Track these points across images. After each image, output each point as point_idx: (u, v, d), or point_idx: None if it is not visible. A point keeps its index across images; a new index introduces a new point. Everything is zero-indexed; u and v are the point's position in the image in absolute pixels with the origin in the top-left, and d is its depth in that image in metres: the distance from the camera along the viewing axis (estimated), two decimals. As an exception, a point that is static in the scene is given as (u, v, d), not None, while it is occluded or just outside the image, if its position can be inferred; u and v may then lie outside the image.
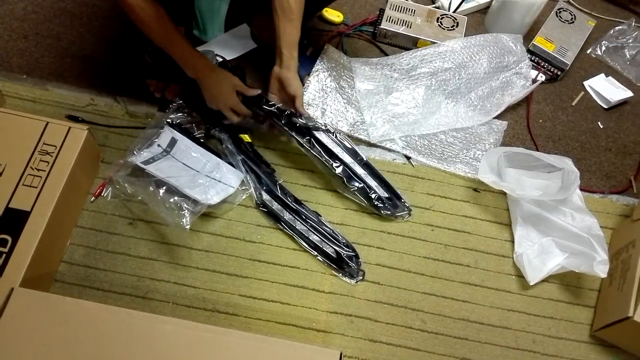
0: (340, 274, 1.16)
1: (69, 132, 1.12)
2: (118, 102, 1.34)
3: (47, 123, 1.12)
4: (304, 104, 1.36)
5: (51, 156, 1.09)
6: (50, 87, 1.34)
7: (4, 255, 0.98)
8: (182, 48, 1.14)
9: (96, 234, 1.15)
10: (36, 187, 1.05)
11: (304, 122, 1.22)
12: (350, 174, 1.23)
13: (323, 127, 1.25)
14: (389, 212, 1.24)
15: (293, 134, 1.22)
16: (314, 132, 1.24)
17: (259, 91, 1.22)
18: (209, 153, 1.24)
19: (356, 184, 1.22)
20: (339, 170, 1.22)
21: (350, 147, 1.27)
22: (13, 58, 1.39)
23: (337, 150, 1.25)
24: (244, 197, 1.23)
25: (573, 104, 1.53)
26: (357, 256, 1.18)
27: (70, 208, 1.13)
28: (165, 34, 1.11)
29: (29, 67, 1.38)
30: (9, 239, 0.99)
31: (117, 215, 1.18)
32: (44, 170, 1.07)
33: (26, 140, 1.10)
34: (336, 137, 1.26)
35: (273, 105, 1.22)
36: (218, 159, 1.24)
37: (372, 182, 1.26)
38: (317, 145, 1.22)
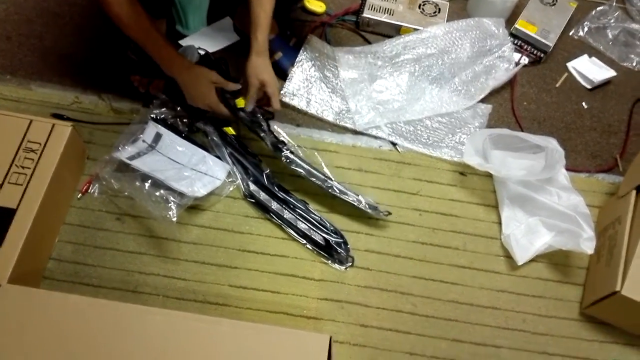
0: (330, 261, 1.16)
1: (53, 129, 1.12)
2: (103, 99, 1.34)
3: (31, 121, 1.12)
4: (290, 94, 1.37)
5: (36, 153, 1.09)
6: (34, 87, 1.34)
7: (-9, 253, 0.98)
8: (159, 46, 1.13)
9: (84, 230, 1.15)
10: (22, 185, 1.05)
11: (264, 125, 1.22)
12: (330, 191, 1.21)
13: (281, 145, 1.22)
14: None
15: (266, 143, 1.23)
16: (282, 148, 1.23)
17: (239, 86, 1.22)
18: (195, 146, 1.24)
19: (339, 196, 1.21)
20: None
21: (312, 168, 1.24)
22: (-4, 59, 1.38)
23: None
24: (231, 188, 1.23)
25: (557, 85, 1.54)
26: (345, 243, 1.18)
27: (57, 205, 1.13)
28: (142, 31, 1.10)
29: (13, 67, 1.37)
30: (-4, 236, 0.99)
31: (104, 211, 1.18)
32: (29, 168, 1.07)
33: (10, 138, 1.10)
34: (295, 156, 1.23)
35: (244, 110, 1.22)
36: (204, 152, 1.24)
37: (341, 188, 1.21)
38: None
